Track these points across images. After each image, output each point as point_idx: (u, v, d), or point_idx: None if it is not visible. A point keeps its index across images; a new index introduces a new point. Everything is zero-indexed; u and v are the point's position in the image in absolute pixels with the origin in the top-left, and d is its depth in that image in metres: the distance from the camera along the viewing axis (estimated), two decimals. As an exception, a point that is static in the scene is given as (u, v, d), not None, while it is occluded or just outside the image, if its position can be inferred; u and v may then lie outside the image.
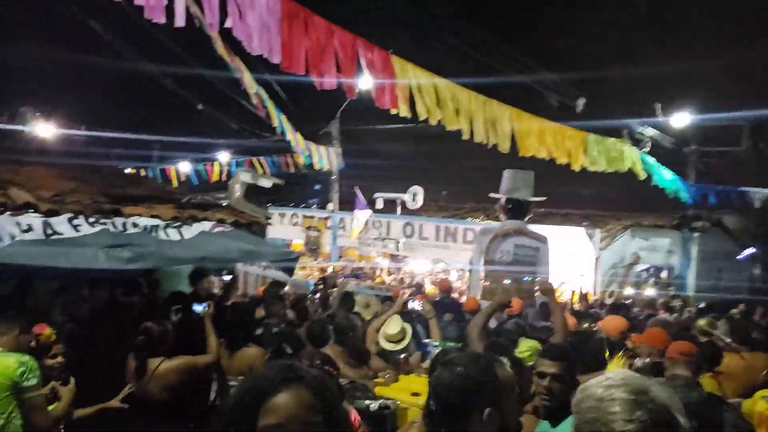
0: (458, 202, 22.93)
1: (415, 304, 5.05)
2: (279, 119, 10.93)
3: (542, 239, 8.70)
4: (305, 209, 22.66)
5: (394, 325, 4.60)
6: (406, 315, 5.24)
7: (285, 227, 22.88)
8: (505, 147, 8.13)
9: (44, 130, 10.11)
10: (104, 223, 4.09)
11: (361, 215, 18.83)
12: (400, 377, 4.01)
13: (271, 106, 10.31)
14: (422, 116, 6.83)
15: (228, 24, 4.70)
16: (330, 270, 17.85)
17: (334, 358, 3.98)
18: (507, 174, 8.90)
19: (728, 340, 4.65)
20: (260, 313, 4.79)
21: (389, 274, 17.41)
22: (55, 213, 4.10)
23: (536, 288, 4.78)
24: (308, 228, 21.88)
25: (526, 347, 3.46)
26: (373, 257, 20.30)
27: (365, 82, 6.91)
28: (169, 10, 4.34)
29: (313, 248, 21.72)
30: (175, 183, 17.75)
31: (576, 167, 9.43)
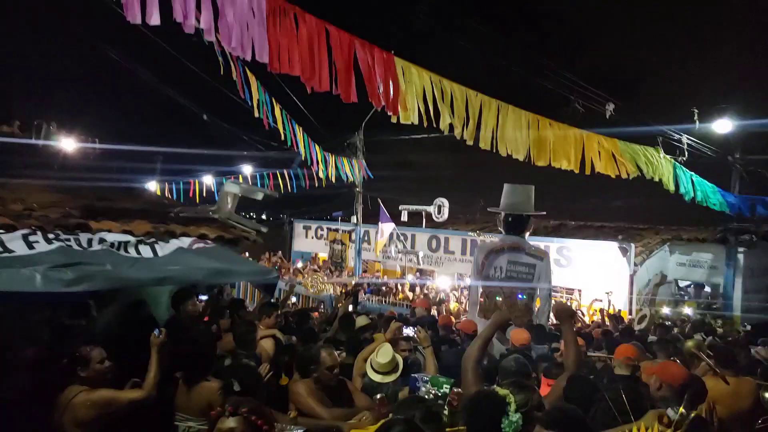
0: (488, 215, 22.16)
1: (409, 331, 4.49)
2: (287, 130, 10.59)
3: (540, 256, 8.18)
4: (330, 222, 22.35)
5: (384, 353, 4.07)
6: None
7: (310, 240, 22.69)
8: (522, 155, 7.57)
9: (57, 142, 10.02)
10: (66, 239, 3.74)
11: (385, 228, 18.36)
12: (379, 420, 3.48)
13: (280, 117, 9.99)
14: (427, 122, 6.34)
15: (203, 22, 4.32)
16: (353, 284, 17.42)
17: (303, 395, 3.50)
18: (506, 188, 8.47)
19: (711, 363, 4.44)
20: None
21: (411, 289, 16.81)
22: (12, 228, 3.78)
23: (552, 310, 3.97)
24: (332, 241, 21.57)
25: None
26: (398, 272, 19.79)
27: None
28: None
29: (337, 261, 21.38)
30: (197, 198, 17.63)
31: (608, 173, 8.77)
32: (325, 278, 16.80)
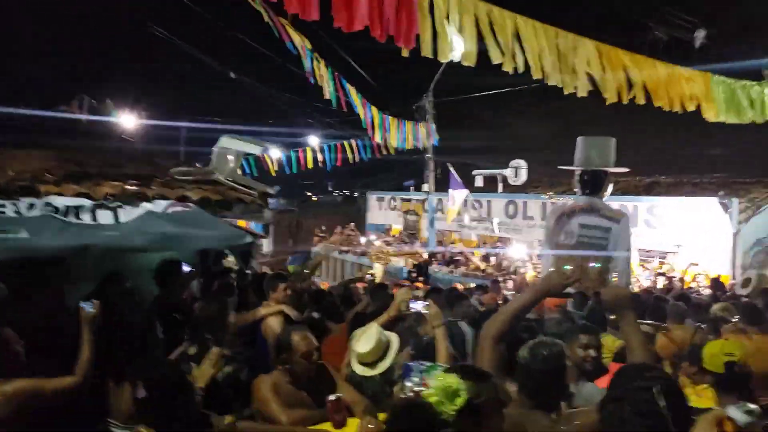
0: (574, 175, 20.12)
1: (418, 305, 3.55)
2: (333, 91, 9.80)
3: (617, 218, 6.76)
4: (402, 192, 21.56)
5: (368, 339, 3.13)
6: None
7: (384, 212, 22.09)
8: (584, 91, 6.29)
9: (106, 117, 10.13)
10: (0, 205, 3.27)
11: (457, 195, 17.26)
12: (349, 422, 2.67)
13: (325, 75, 9.23)
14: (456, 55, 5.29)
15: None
16: (425, 256, 16.69)
17: (263, 391, 2.74)
18: (580, 141, 7.08)
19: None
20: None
21: (484, 259, 15.75)
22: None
23: (603, 299, 2.59)
24: (406, 212, 20.83)
25: None
26: (475, 241, 18.68)
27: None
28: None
29: (411, 233, 20.65)
30: (272, 171, 17.43)
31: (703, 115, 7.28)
32: (391, 250, 16.14)
